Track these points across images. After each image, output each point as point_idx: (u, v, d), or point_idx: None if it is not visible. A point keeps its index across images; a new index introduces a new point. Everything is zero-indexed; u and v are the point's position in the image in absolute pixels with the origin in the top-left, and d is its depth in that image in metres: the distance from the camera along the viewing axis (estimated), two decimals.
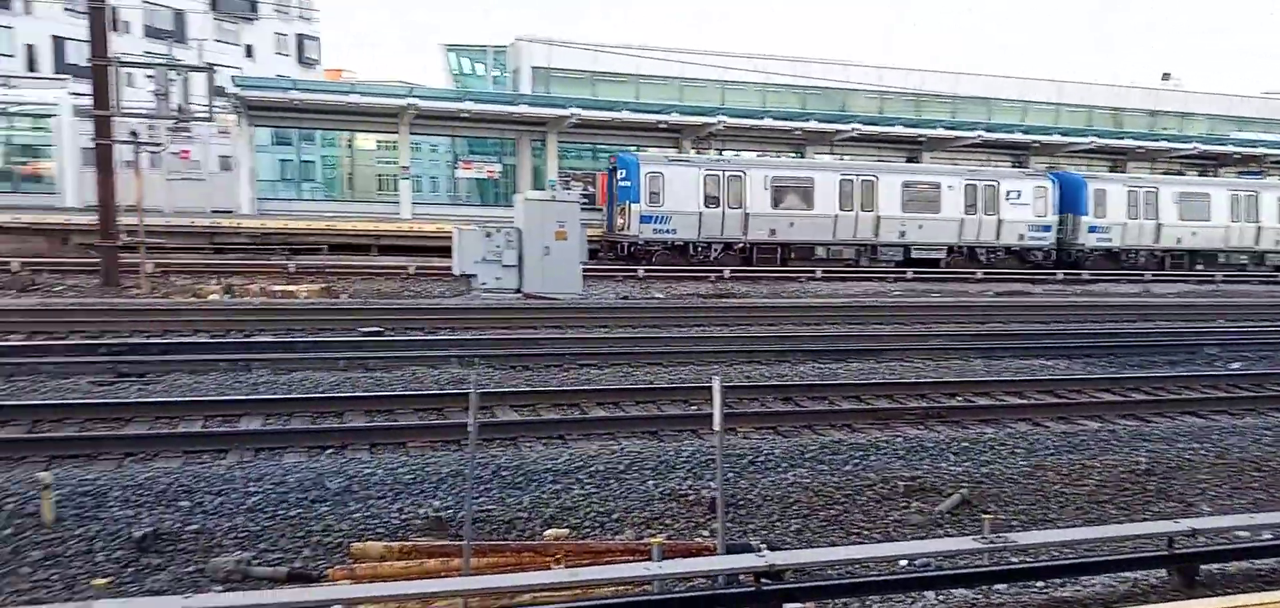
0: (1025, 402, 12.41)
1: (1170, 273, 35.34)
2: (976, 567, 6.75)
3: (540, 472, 8.66)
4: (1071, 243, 35.31)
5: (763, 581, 5.90)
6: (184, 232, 28.65)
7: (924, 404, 11.96)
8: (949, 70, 51.50)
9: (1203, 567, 6.95)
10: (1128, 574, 6.96)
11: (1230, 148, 45.46)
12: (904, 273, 30.61)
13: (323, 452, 9.26)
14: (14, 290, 19.86)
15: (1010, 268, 33.24)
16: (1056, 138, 43.29)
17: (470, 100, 37.68)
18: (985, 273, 31.56)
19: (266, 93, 35.67)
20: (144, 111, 25.43)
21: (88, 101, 22.16)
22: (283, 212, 36.02)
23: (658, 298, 22.79)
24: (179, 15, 58.18)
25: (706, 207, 30.62)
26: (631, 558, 6.58)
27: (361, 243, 30.52)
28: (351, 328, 16.13)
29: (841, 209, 31.94)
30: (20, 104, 39.19)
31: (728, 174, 31.15)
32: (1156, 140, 45.16)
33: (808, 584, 6.19)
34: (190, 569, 6.68)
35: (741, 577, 6.08)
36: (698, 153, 37.67)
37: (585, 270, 23.00)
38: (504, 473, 8.59)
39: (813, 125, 39.77)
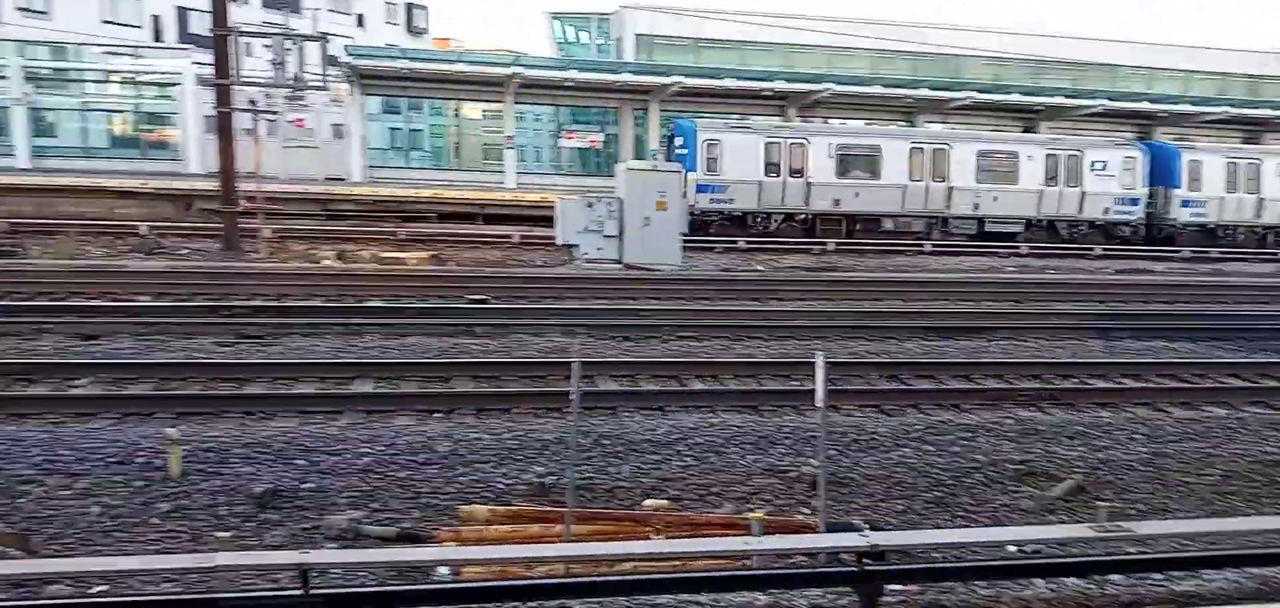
0: (1145, 385, 11.87)
1: (1272, 250, 32.96)
2: (1090, 556, 6.49)
3: (640, 442, 8.71)
4: (1162, 217, 33.06)
5: (865, 561, 5.78)
6: (299, 198, 29.59)
7: (1037, 385, 11.57)
8: (1070, 35, 49.37)
9: None
10: (1256, 571, 6.60)
11: None
12: (1018, 249, 29.57)
13: (431, 416, 9.50)
14: (142, 254, 20.91)
15: (1097, 243, 31.43)
16: (1186, 107, 40.86)
17: (574, 69, 37.90)
18: (1104, 249, 30.23)
19: (377, 61, 36.51)
20: (262, 80, 26.37)
21: (209, 71, 23.05)
22: (392, 180, 36.95)
23: (759, 270, 22.60)
24: None
25: (767, 175, 29.62)
26: (730, 532, 6.56)
27: (468, 212, 31.06)
28: (458, 295, 16.46)
29: (911, 179, 30.61)
30: (147, 73, 41.18)
31: (789, 142, 30.12)
32: None
33: (911, 567, 6.06)
34: (306, 526, 6.94)
35: (842, 556, 5.99)
36: (803, 121, 37.10)
37: (684, 241, 22.92)
38: (604, 442, 8.68)
39: (924, 93, 38.71)
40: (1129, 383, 12.00)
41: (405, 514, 7.22)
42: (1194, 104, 41.40)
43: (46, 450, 7.84)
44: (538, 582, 5.22)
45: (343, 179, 35.71)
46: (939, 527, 7.47)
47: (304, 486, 7.49)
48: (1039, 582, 6.39)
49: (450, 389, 10.44)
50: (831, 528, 6.48)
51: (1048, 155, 31.81)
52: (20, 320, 12.85)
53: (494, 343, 12.88)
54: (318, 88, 27.99)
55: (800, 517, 7.30)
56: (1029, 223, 31.79)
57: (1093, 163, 31.99)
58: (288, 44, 24.97)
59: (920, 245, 28.85)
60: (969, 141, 32.19)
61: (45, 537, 6.62)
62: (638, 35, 45.40)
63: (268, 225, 23.19)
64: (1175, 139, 36.41)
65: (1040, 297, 19.37)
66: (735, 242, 27.31)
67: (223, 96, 21.78)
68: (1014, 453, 8.90)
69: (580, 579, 5.23)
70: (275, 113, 31.26)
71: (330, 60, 29.44)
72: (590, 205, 22.00)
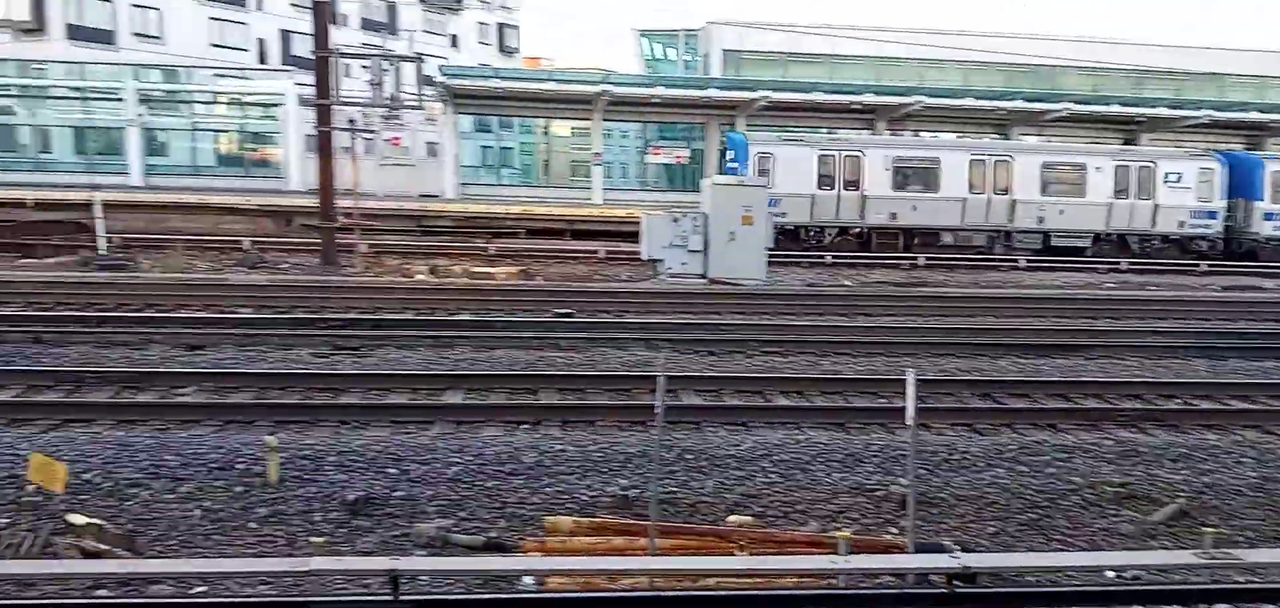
0: (1254, 407, 11.34)
1: None
2: (1194, 584, 6.22)
3: (724, 457, 8.68)
4: (1243, 231, 31.16)
5: (955, 583, 5.66)
6: (394, 214, 30.37)
7: (1138, 405, 11.15)
8: (1173, 44, 47.56)
9: None
10: None
11: None
12: (1118, 264, 28.56)
13: (518, 427, 9.63)
14: (245, 268, 21.72)
15: (1172, 258, 29.98)
16: None
17: (661, 85, 38.12)
18: (1209, 266, 28.95)
19: (470, 81, 37.33)
20: (360, 100, 27.17)
21: (311, 91, 23.83)
22: (483, 196, 37.66)
23: (846, 285, 22.31)
24: (392, 7, 61.86)
25: (820, 188, 28.89)
26: (816, 550, 6.49)
27: (555, 227, 31.43)
28: (545, 309, 16.67)
29: (971, 192, 29.59)
30: (252, 94, 42.88)
31: (844, 154, 29.38)
32: None
33: (1003, 590, 5.90)
34: (396, 533, 7.11)
35: (932, 577, 5.87)
36: (892, 134, 36.55)
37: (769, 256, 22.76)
38: (688, 456, 8.67)
39: (1018, 105, 37.80)
40: (1237, 404, 11.47)
41: (492, 524, 7.33)
42: None
43: (153, 456, 8.20)
44: (623, 594, 5.24)
45: (436, 196, 36.53)
46: (1033, 550, 7.26)
47: (395, 493, 7.68)
48: None
49: (537, 401, 10.57)
50: (921, 549, 6.35)
51: (1118, 167, 30.50)
52: (131, 330, 13.47)
53: (579, 356, 13.00)
54: (413, 107, 28.72)
55: (888, 537, 7.17)
56: (1097, 237, 30.56)
57: (1166, 174, 30.53)
58: (385, 65, 25.68)
59: (1014, 261, 28.08)
60: (1033, 153, 31.20)
61: (150, 538, 6.92)
62: (725, 51, 45.44)
63: (364, 240, 23.88)
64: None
65: (1141, 314, 18.66)
66: (822, 257, 27.02)
67: (323, 116, 22.44)
68: (1113, 475, 8.60)
69: (665, 594, 5.23)
70: (372, 132, 32.23)
71: (425, 80, 30.23)
72: (676, 220, 22.02)
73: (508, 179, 47.14)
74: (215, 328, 13.88)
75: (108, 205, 23.69)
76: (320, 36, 22.19)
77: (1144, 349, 14.81)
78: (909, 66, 44.59)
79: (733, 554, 6.41)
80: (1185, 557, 6.10)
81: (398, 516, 7.37)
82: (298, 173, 38.31)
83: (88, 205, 23.81)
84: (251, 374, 11.22)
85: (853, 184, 29.22)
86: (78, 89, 40.98)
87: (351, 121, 27.88)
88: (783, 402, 10.97)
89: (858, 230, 29.65)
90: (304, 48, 39.60)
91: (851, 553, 5.93)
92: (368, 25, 57.92)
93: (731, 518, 7.36)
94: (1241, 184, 31.23)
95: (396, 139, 39.93)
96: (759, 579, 5.88)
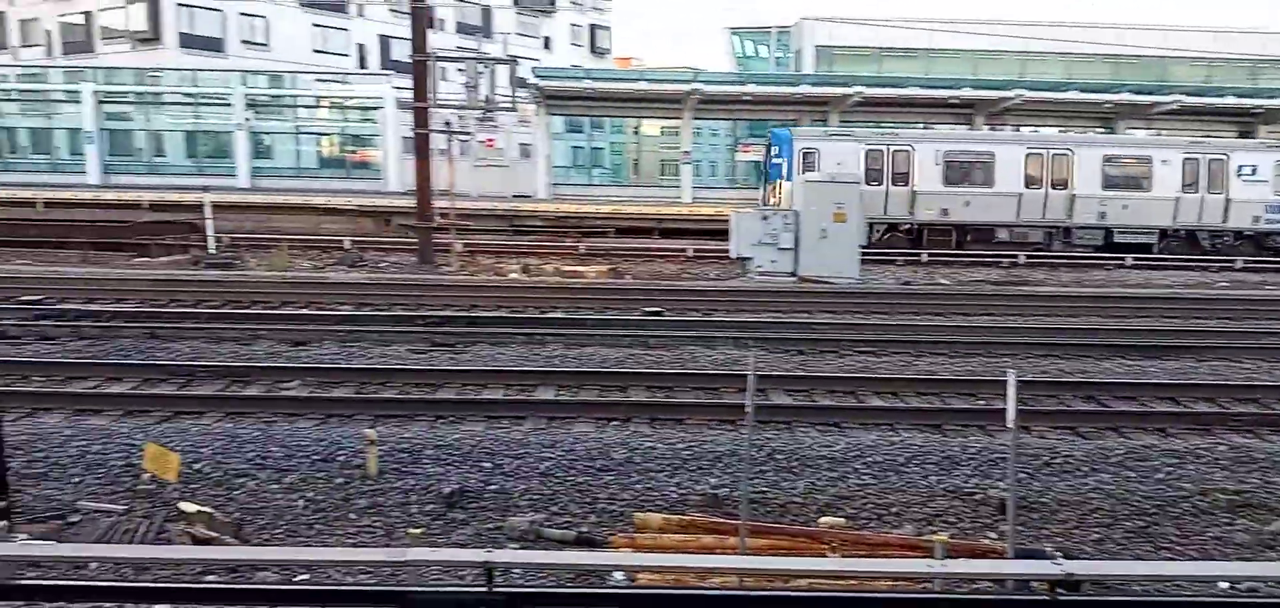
0: None
1: None
2: None
3: (815, 458, 8.59)
4: None
5: (1058, 590, 5.48)
6: (488, 214, 30.90)
7: (1255, 409, 10.63)
8: None
9: None
10: None
11: None
12: (1232, 262, 27.26)
13: (608, 424, 9.70)
14: (345, 266, 22.37)
15: (1247, 254, 28.21)
16: None
17: (752, 83, 37.88)
18: None
19: (562, 82, 37.69)
20: (456, 103, 27.69)
21: (408, 94, 24.39)
22: (575, 196, 38.02)
23: (943, 284, 21.83)
24: (486, 11, 62.93)
25: (867, 184, 27.59)
26: (910, 554, 6.36)
27: (644, 226, 31.53)
28: (634, 307, 16.74)
29: (1027, 187, 28.33)
30: (352, 98, 44.15)
31: (893, 149, 28.40)
32: None
33: (1109, 599, 5.69)
34: (490, 526, 7.23)
35: (1033, 584, 5.69)
36: (991, 128, 35.60)
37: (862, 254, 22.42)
38: (778, 456, 8.61)
39: (1125, 98, 36.41)
40: None
41: (582, 519, 7.40)
42: None
43: (259, 448, 8.51)
44: (713, 592, 5.22)
45: (529, 196, 37.04)
46: (1140, 558, 6.99)
47: (489, 487, 7.81)
48: None
49: (626, 398, 10.62)
50: (1021, 554, 6.16)
51: (1186, 159, 28.86)
52: (239, 327, 14.02)
53: (667, 354, 13.02)
54: (507, 109, 29.12)
55: (986, 541, 7.00)
56: (1164, 233, 29.08)
57: (1239, 167, 28.80)
58: (480, 68, 26.15)
59: (1121, 260, 27.05)
60: (1094, 146, 29.84)
61: (256, 527, 7.19)
62: (817, 47, 44.93)
63: (459, 240, 24.36)
64: None
65: (1257, 314, 17.78)
66: (918, 255, 26.49)
67: (420, 118, 22.95)
68: (1227, 482, 8.22)
69: (755, 594, 5.19)
70: (468, 133, 32.81)
71: (519, 82, 30.62)
72: (765, 218, 21.89)
73: (598, 179, 47.47)
74: (318, 325, 14.34)
75: (217, 206, 24.68)
76: (418, 41, 22.70)
77: (1260, 351, 14.12)
78: (1008, 60, 43.38)
79: (824, 556, 6.34)
80: None
81: (491, 509, 7.50)
82: (396, 174, 39.28)
83: (198, 206, 24.85)
84: (352, 369, 11.56)
85: (902, 179, 28.41)
86: (190, 95, 42.82)
87: (447, 124, 28.43)
88: (876, 402, 10.79)
89: (908, 227, 28.87)
90: (402, 52, 40.68)
91: (948, 557, 5.80)
92: (463, 29, 59.01)
93: (823, 519, 7.28)
94: None
95: (491, 140, 40.58)
96: (851, 582, 5.79)
